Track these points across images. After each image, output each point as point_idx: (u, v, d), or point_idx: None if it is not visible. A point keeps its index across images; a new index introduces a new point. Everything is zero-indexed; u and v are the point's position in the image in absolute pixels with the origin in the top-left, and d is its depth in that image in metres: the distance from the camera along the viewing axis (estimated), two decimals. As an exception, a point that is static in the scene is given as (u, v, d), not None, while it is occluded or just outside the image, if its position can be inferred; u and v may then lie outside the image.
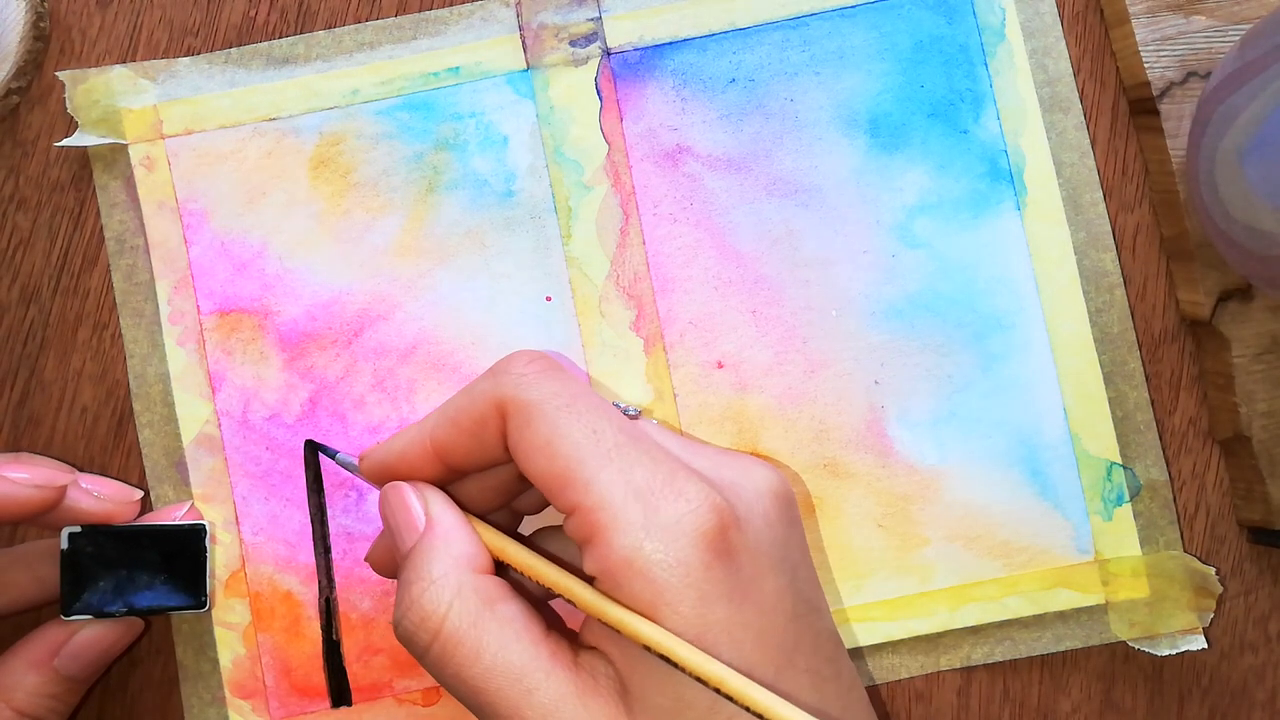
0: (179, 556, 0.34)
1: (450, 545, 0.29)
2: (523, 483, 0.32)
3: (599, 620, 0.28)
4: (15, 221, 0.37)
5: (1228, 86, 0.33)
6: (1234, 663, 0.36)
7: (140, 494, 0.35)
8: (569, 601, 0.28)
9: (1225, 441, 0.36)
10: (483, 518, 0.31)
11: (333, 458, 0.35)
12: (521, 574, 0.30)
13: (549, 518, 0.35)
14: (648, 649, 0.26)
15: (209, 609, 0.35)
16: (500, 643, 0.27)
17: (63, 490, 0.33)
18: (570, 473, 0.27)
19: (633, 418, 0.31)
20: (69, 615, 0.33)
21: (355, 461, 0.33)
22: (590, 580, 0.28)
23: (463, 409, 0.30)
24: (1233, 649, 0.36)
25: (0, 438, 0.37)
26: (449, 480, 0.31)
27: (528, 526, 0.35)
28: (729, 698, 0.26)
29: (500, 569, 0.30)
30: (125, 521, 0.34)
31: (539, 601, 0.32)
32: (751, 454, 0.36)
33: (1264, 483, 0.35)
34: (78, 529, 0.33)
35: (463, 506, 0.31)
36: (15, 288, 0.37)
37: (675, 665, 0.26)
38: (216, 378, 0.37)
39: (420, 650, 0.28)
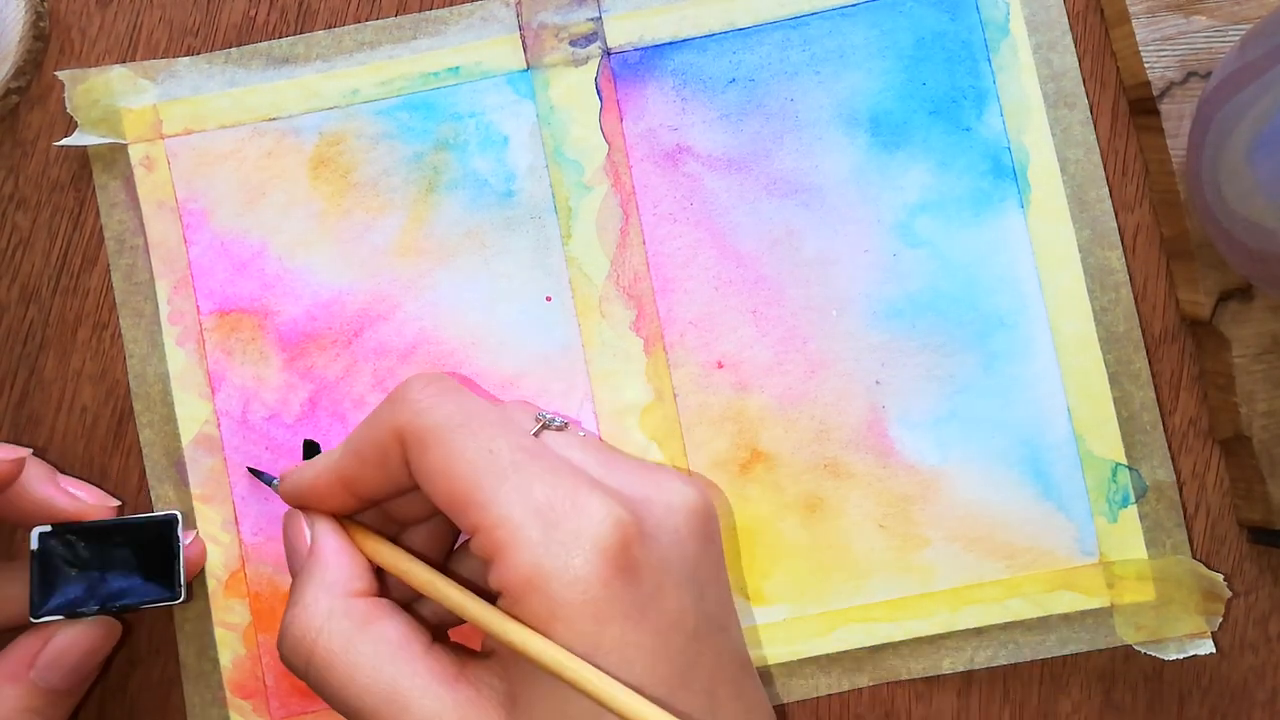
0: (151, 550, 0.34)
1: (327, 571, 0.29)
2: None
3: (487, 634, 0.27)
4: (15, 221, 0.37)
5: (1228, 86, 0.33)
6: (1234, 663, 0.36)
7: (118, 502, 0.34)
8: (464, 617, 0.28)
9: (1225, 441, 0.36)
10: (413, 526, 0.32)
11: (269, 484, 0.34)
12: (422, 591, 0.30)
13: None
14: (535, 663, 0.26)
15: (184, 600, 0.34)
16: (374, 663, 0.27)
17: (20, 463, 0.32)
18: (468, 493, 0.27)
19: (558, 428, 0.30)
20: (38, 617, 0.32)
21: (275, 480, 0.33)
22: (495, 596, 0.28)
23: (364, 440, 0.29)
24: (1233, 649, 0.36)
25: (0, 437, 0.37)
26: (362, 508, 0.31)
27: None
28: (614, 711, 0.26)
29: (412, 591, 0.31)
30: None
31: (429, 620, 0.32)
32: (676, 469, 0.35)
33: (1264, 483, 0.35)
34: (48, 528, 0.33)
35: (391, 519, 0.32)
36: (15, 288, 0.37)
37: (558, 677, 0.26)
38: (216, 378, 0.36)
39: (298, 673, 0.28)
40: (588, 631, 0.26)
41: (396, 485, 0.30)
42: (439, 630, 0.32)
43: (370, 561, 0.31)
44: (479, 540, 0.27)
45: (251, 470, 0.36)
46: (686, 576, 0.28)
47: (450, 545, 0.33)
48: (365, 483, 0.30)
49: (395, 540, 0.32)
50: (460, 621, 0.33)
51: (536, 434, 0.30)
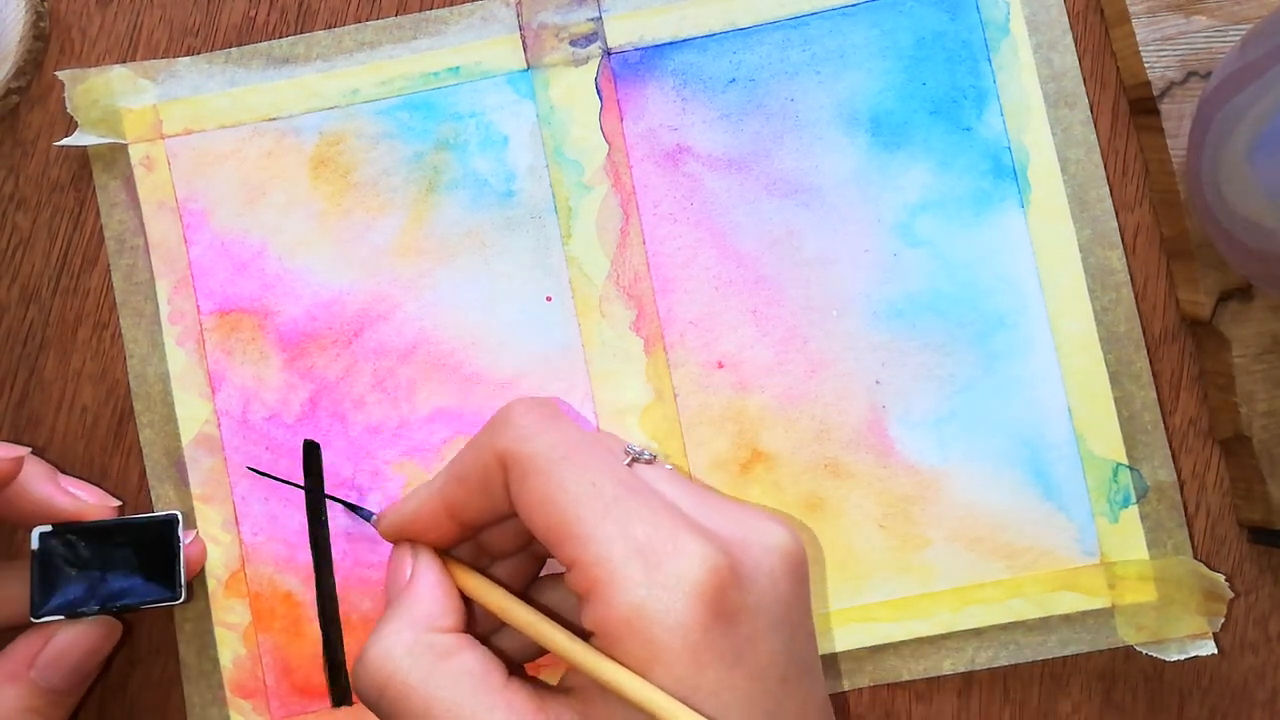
0: (152, 550, 0.33)
1: (418, 604, 0.29)
2: None
3: (589, 675, 0.27)
4: (15, 221, 0.37)
5: (1229, 86, 0.33)
6: (1234, 663, 0.36)
7: (118, 502, 0.34)
8: (556, 654, 0.28)
9: (1225, 441, 0.36)
10: (502, 559, 0.32)
11: (367, 520, 0.34)
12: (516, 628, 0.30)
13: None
14: (637, 707, 0.26)
15: (185, 601, 0.34)
16: (452, 696, 0.27)
17: (19, 462, 0.32)
18: (568, 527, 0.27)
19: (647, 461, 0.30)
20: (39, 616, 0.32)
21: (372, 517, 0.33)
22: (587, 633, 0.27)
23: (467, 465, 0.29)
24: (1233, 649, 0.36)
25: (1, 438, 0.37)
26: (465, 537, 0.31)
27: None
28: None
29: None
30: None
31: (505, 654, 0.32)
32: (768, 510, 0.35)
33: (1264, 483, 0.35)
34: (48, 528, 0.33)
35: (483, 551, 0.32)
36: (15, 288, 0.37)
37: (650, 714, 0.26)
38: (216, 378, 0.36)
39: (369, 702, 0.28)
40: (686, 676, 0.26)
41: (498, 510, 0.29)
42: (515, 664, 0.32)
43: (462, 596, 0.31)
44: (575, 575, 0.27)
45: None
46: (779, 620, 0.28)
47: (533, 579, 0.33)
48: (468, 509, 0.30)
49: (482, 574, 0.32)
50: (536, 656, 0.33)
51: (629, 465, 0.29)
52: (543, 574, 0.34)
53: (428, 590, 0.30)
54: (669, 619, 0.26)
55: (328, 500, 0.36)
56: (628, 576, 0.26)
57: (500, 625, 0.32)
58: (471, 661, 0.28)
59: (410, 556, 0.31)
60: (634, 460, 0.30)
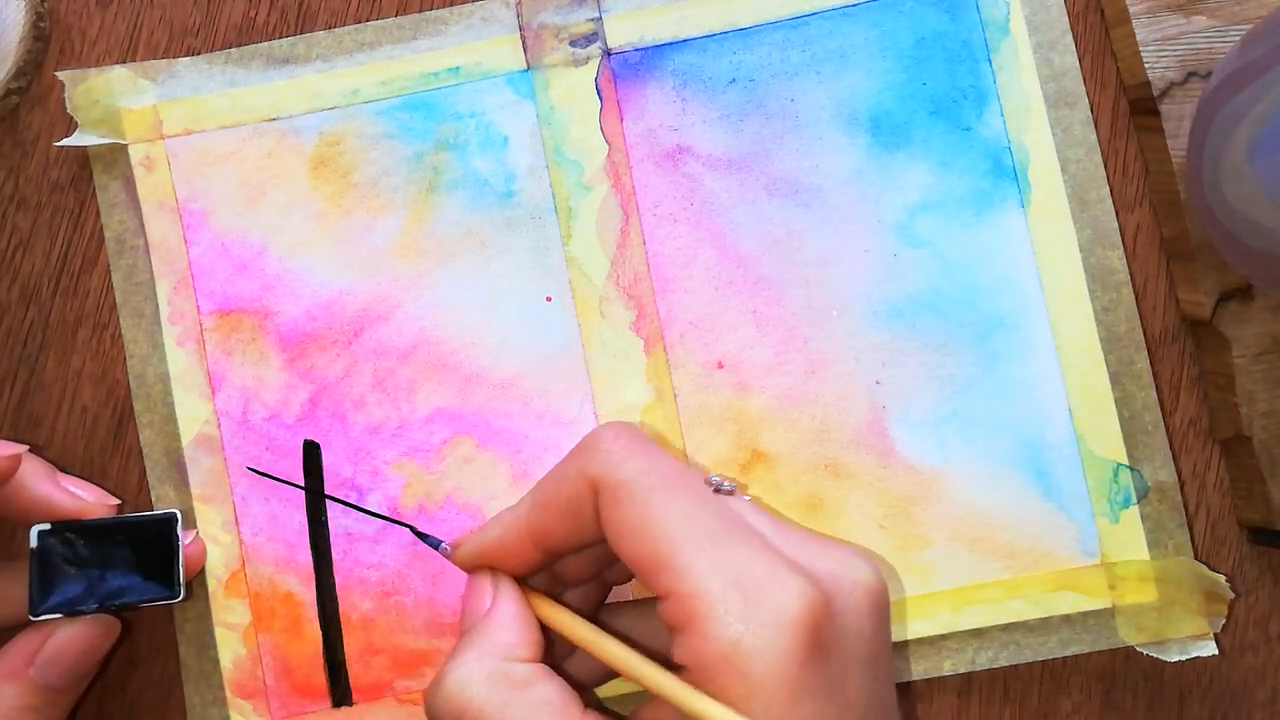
0: (151, 548, 0.33)
1: (498, 633, 0.29)
2: (614, 555, 0.31)
3: (683, 711, 0.27)
4: (15, 221, 0.37)
5: (1229, 86, 0.32)
6: (1234, 663, 0.36)
7: (117, 501, 0.34)
8: (647, 689, 0.28)
9: (1225, 441, 0.36)
10: (575, 586, 0.32)
11: (435, 548, 0.33)
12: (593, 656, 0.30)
13: (631, 589, 0.35)
14: None
15: (183, 599, 0.34)
16: None
17: (16, 459, 0.32)
18: (665, 557, 0.27)
19: (728, 492, 0.30)
20: (37, 615, 0.32)
21: (446, 546, 0.32)
22: (676, 666, 0.27)
23: (556, 492, 0.29)
24: (1233, 649, 0.36)
25: (1, 438, 0.36)
26: (545, 565, 0.31)
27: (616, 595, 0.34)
28: None
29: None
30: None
31: (584, 686, 0.32)
32: (851, 544, 0.34)
33: (1264, 483, 0.34)
34: (47, 526, 0.32)
35: (557, 578, 0.32)
36: (15, 288, 0.37)
37: None
38: (216, 378, 0.36)
39: None
40: (781, 713, 0.25)
41: (585, 537, 0.29)
42: (586, 692, 0.32)
43: (541, 627, 0.30)
44: (671, 606, 0.27)
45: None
46: (866, 656, 0.27)
47: (600, 605, 0.33)
48: (554, 536, 0.29)
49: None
50: (601, 682, 0.33)
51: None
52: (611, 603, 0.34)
53: (508, 620, 0.29)
54: (768, 655, 0.25)
55: (376, 517, 0.35)
56: (726, 611, 0.26)
57: (571, 652, 0.32)
58: (550, 692, 0.28)
59: (490, 585, 0.30)
60: (717, 490, 0.29)
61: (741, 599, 0.26)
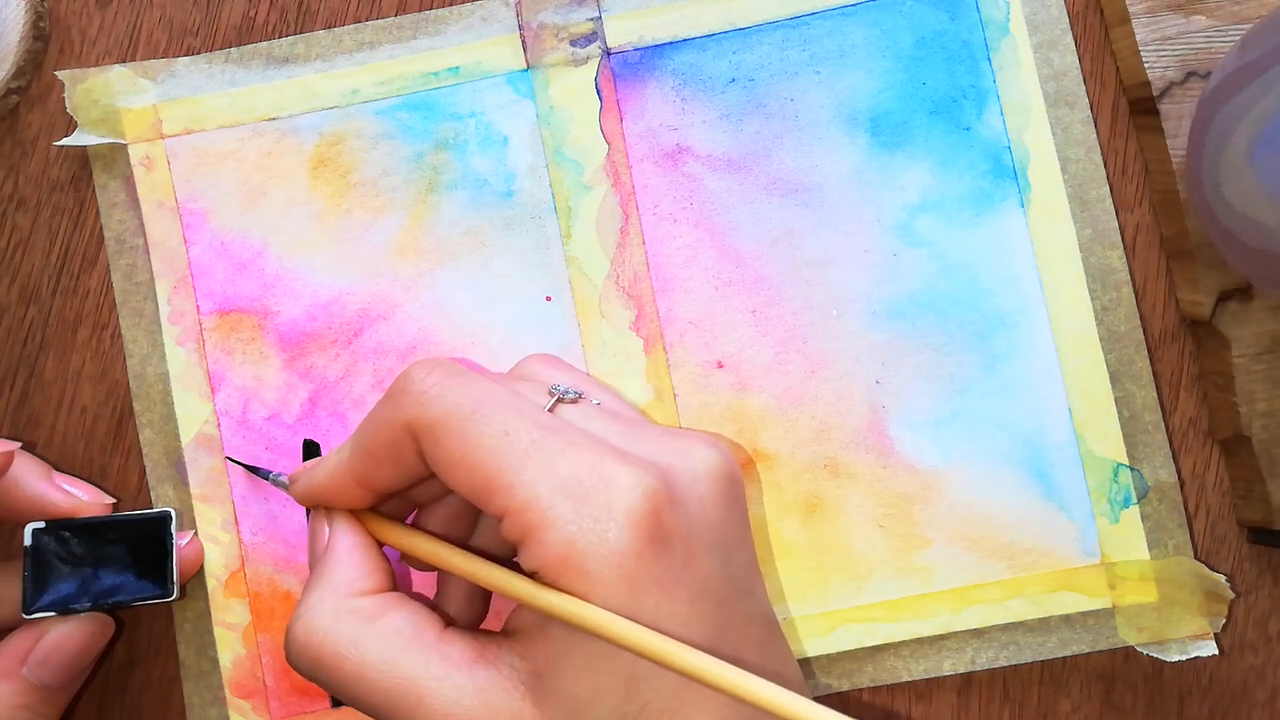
0: (144, 547, 0.33)
1: (337, 570, 0.29)
2: None
3: (529, 606, 0.27)
4: (15, 221, 0.37)
5: (1228, 86, 0.32)
6: (1234, 663, 0.36)
7: (113, 500, 0.34)
8: (498, 591, 0.28)
9: (1225, 441, 0.36)
10: (433, 505, 0.31)
11: (265, 478, 0.33)
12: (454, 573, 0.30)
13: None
14: (579, 627, 0.26)
15: (177, 598, 0.34)
16: (384, 656, 0.27)
17: (9, 456, 0.32)
18: (491, 480, 0.26)
19: (571, 400, 0.29)
20: (30, 613, 0.32)
21: (286, 482, 0.32)
22: (531, 577, 0.27)
23: (372, 438, 0.29)
24: (1233, 649, 0.36)
25: (1, 437, 0.36)
26: (383, 500, 0.30)
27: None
28: (667, 665, 0.25)
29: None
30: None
31: (443, 611, 0.31)
32: (700, 432, 0.34)
33: (1264, 483, 0.34)
34: (41, 524, 0.32)
35: (413, 503, 0.31)
36: (15, 288, 0.37)
37: (603, 637, 0.25)
38: (216, 378, 0.36)
39: (307, 676, 0.28)
40: (623, 604, 0.25)
41: (413, 476, 0.29)
42: (465, 622, 0.31)
43: (388, 555, 0.30)
44: (508, 524, 0.26)
45: (236, 462, 0.35)
46: (714, 542, 0.27)
47: (472, 523, 0.32)
48: (380, 478, 0.29)
49: (416, 522, 0.31)
50: (485, 609, 0.32)
51: (551, 409, 0.29)
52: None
53: (345, 555, 0.29)
54: (602, 549, 0.25)
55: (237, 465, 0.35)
56: (557, 516, 0.26)
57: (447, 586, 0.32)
58: (400, 620, 0.28)
59: (326, 523, 0.30)
60: (558, 401, 0.29)
61: (571, 501, 0.26)
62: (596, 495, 0.26)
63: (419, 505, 0.32)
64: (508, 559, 0.30)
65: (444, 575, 0.32)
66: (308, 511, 0.31)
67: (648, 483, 0.26)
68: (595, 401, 0.30)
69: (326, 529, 0.30)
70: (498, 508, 0.26)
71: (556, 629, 0.26)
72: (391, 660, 0.27)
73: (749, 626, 0.28)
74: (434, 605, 0.31)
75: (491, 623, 0.33)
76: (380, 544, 0.30)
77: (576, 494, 0.26)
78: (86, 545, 0.33)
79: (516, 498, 0.26)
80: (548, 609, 0.26)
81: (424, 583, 0.35)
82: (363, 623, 0.27)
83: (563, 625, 0.26)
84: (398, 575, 0.30)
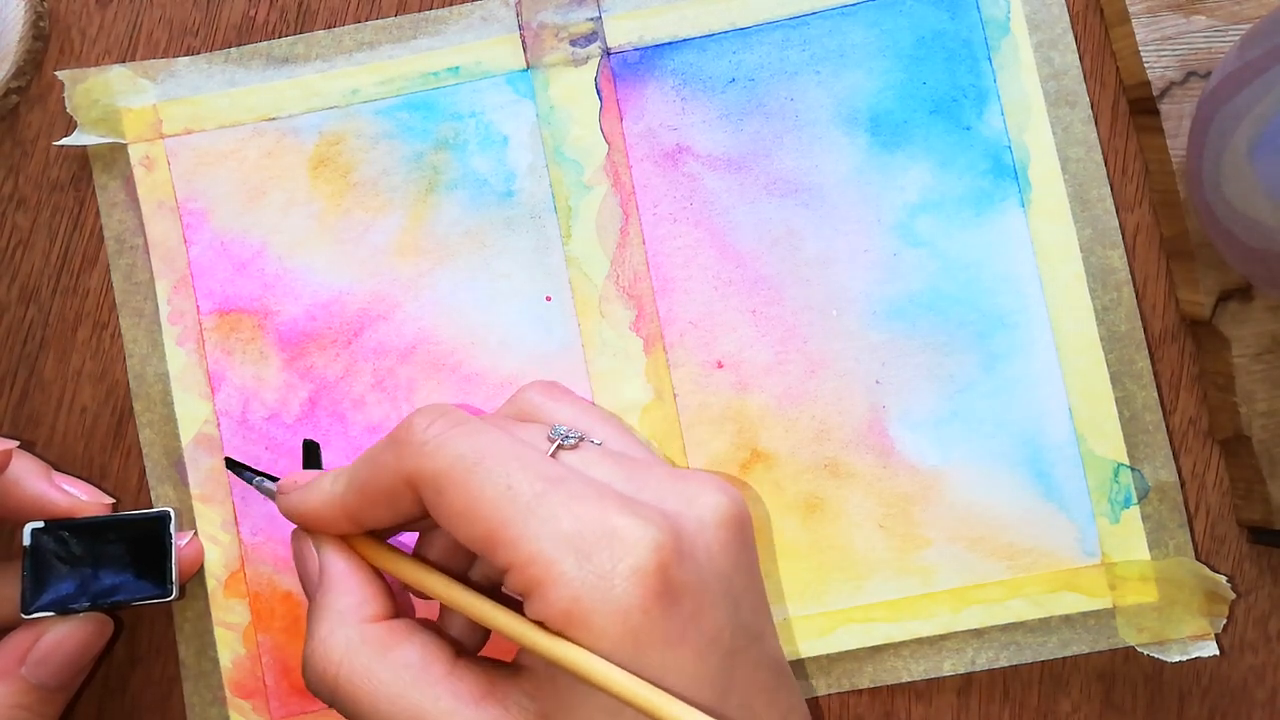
0: (143, 546, 0.33)
1: (339, 597, 0.29)
2: None
3: (536, 654, 0.26)
4: (15, 221, 0.37)
5: (1228, 86, 0.32)
6: (1234, 663, 0.36)
7: (112, 499, 0.34)
8: (507, 637, 0.27)
9: (1225, 441, 0.35)
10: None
11: (249, 481, 0.33)
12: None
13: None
14: (583, 679, 0.25)
15: (176, 598, 0.34)
16: (396, 689, 0.27)
17: (7, 454, 0.32)
18: (494, 534, 0.26)
19: (572, 446, 0.29)
20: (29, 613, 0.32)
21: (274, 490, 0.31)
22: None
23: (369, 482, 0.28)
24: (1233, 649, 0.36)
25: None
26: (369, 531, 0.30)
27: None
28: None
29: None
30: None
31: (458, 637, 0.31)
32: (705, 471, 0.33)
33: (1264, 483, 0.34)
34: (40, 525, 0.32)
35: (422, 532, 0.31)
36: (15, 288, 0.37)
37: (605, 691, 0.25)
38: (216, 377, 0.36)
39: (325, 702, 0.28)
40: (628, 660, 0.25)
41: (406, 519, 0.29)
42: (471, 644, 0.31)
43: (388, 578, 0.30)
44: (512, 577, 0.26)
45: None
46: (722, 592, 0.27)
47: (472, 553, 0.32)
48: (371, 518, 0.29)
49: (417, 548, 0.31)
50: (488, 636, 0.32)
51: (553, 454, 0.28)
52: None
53: (341, 580, 0.29)
54: (607, 606, 0.25)
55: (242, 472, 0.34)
56: (562, 571, 0.25)
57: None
58: (411, 652, 0.27)
59: (311, 547, 0.30)
60: (559, 448, 0.29)
61: (575, 556, 0.25)
62: (601, 550, 0.25)
63: (420, 531, 0.31)
64: (491, 587, 0.29)
65: None
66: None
67: (654, 536, 0.26)
68: (597, 442, 0.29)
69: (313, 551, 0.30)
70: (502, 561, 0.26)
71: (565, 674, 0.26)
72: (402, 693, 0.27)
73: (757, 673, 0.27)
74: (439, 628, 0.31)
75: (491, 648, 0.32)
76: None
77: (581, 549, 0.25)
78: (86, 545, 0.33)
79: (520, 552, 0.26)
80: (555, 659, 0.26)
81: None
82: (375, 653, 0.27)
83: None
84: (396, 592, 0.30)
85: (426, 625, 0.29)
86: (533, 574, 0.26)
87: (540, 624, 0.26)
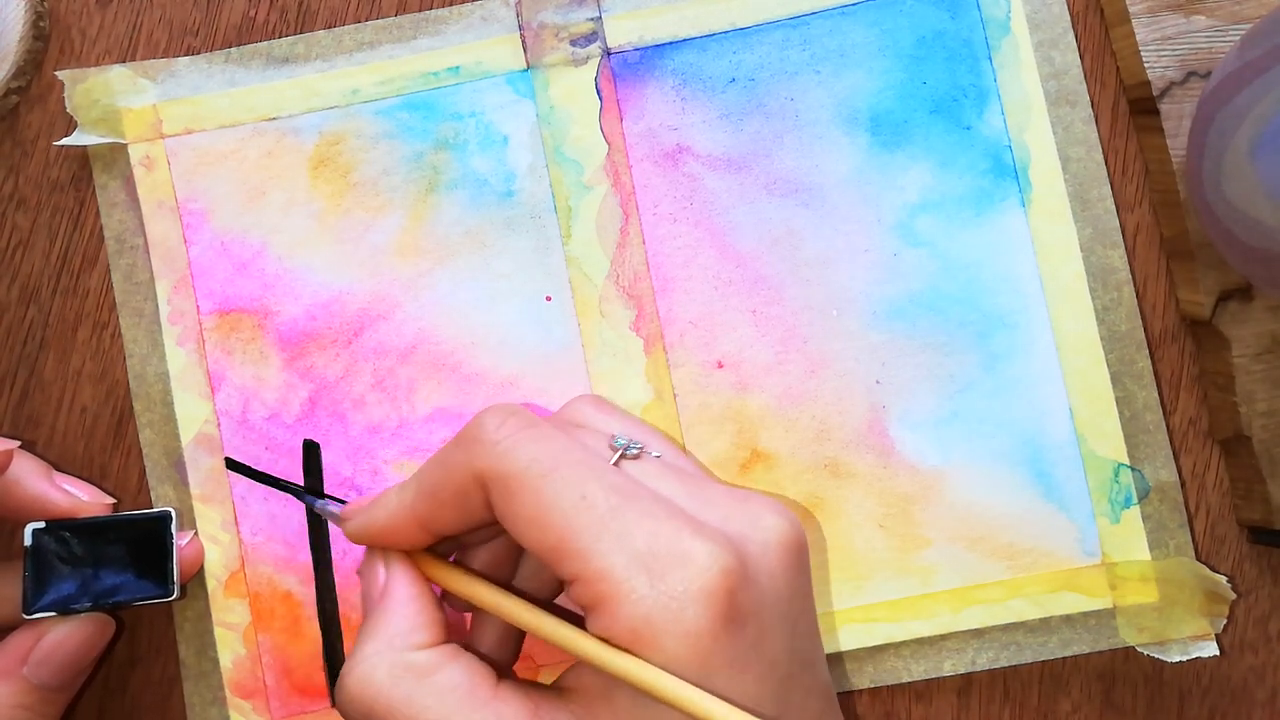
0: (145, 546, 0.33)
1: (393, 621, 0.28)
2: None
3: (600, 669, 0.26)
4: (15, 221, 0.37)
5: (1228, 86, 0.32)
6: (1234, 663, 0.35)
7: (113, 500, 0.34)
8: (570, 651, 0.27)
9: (1225, 441, 0.35)
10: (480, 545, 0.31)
11: (311, 506, 0.33)
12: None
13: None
14: (653, 695, 0.25)
15: (178, 598, 0.33)
16: (438, 714, 0.26)
17: (8, 455, 0.31)
18: (564, 544, 0.26)
19: (633, 457, 0.29)
20: (31, 613, 0.32)
21: (338, 514, 0.31)
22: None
23: (440, 483, 0.28)
24: (1233, 649, 0.35)
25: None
26: (441, 543, 0.30)
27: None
28: None
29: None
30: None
31: (489, 654, 0.31)
32: (763, 493, 0.33)
33: (1264, 483, 0.34)
34: (41, 525, 0.32)
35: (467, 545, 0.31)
36: (15, 288, 0.37)
37: (681, 709, 0.25)
38: (216, 377, 0.36)
39: None
40: (694, 682, 0.25)
41: (477, 523, 0.28)
42: (500, 664, 0.31)
43: (442, 600, 0.29)
44: (579, 589, 0.26)
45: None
46: (782, 615, 0.27)
47: (515, 564, 0.32)
48: (441, 523, 0.28)
49: (460, 560, 0.31)
50: (519, 650, 0.32)
51: (615, 463, 0.28)
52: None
53: (401, 605, 0.29)
54: (678, 629, 0.25)
55: (277, 486, 0.34)
56: (633, 589, 0.25)
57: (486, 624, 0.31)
58: (457, 675, 0.27)
59: (382, 566, 0.29)
60: (621, 456, 0.29)
61: (647, 575, 0.25)
62: (673, 571, 0.25)
63: (466, 545, 0.31)
64: (547, 602, 0.29)
65: (480, 614, 0.31)
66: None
67: (724, 560, 0.26)
68: (655, 454, 0.29)
69: (382, 571, 0.29)
70: (570, 572, 0.26)
71: (622, 696, 0.26)
72: (446, 717, 0.26)
73: (809, 700, 0.27)
74: (469, 645, 0.30)
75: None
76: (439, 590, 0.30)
77: (653, 569, 0.25)
78: (87, 545, 0.32)
79: (591, 566, 0.26)
80: (623, 675, 0.25)
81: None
82: (418, 678, 0.27)
83: (630, 692, 0.26)
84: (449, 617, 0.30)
85: (469, 648, 0.29)
86: (602, 590, 0.25)
87: (605, 640, 0.26)
